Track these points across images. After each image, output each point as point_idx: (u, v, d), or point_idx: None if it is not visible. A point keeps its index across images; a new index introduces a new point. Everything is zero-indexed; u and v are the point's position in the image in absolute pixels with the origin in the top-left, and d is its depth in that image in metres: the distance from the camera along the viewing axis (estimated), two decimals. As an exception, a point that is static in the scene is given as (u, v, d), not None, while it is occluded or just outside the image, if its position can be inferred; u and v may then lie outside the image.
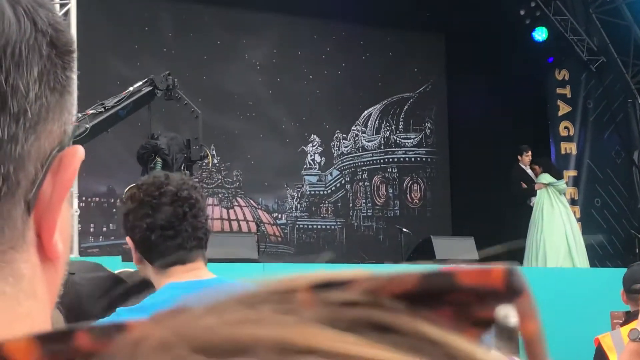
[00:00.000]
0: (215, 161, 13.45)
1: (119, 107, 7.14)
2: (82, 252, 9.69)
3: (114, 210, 13.06)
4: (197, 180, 2.70)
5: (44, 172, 0.61)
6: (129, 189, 2.60)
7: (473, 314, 0.36)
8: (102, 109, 6.98)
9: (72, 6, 8.82)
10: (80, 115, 6.90)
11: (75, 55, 0.65)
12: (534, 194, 12.28)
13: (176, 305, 0.35)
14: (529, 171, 12.39)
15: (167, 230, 2.49)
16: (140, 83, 7.53)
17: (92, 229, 12.87)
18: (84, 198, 12.16)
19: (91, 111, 6.91)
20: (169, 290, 2.47)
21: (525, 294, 0.36)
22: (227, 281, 2.54)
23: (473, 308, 0.36)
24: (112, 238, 12.99)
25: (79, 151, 0.65)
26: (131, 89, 7.40)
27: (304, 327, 0.33)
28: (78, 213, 8.98)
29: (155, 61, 12.79)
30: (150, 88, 7.52)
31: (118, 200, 13.11)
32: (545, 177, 12.34)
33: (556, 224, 12.21)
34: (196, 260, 2.55)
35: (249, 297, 0.34)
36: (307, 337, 0.32)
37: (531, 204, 12.37)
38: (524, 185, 12.30)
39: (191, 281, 2.49)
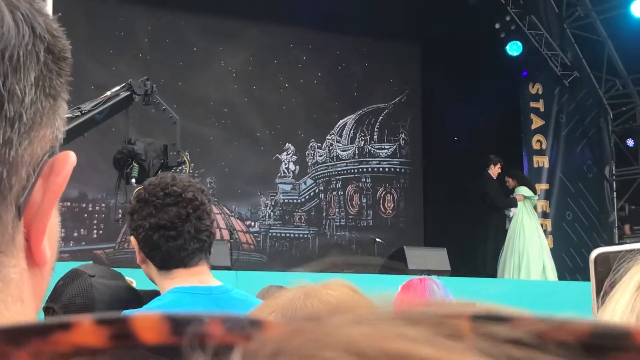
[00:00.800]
0: (189, 168, 13.41)
1: (95, 111, 7.09)
2: (53, 257, 9.60)
3: (85, 215, 12.99)
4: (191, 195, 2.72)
5: (36, 177, 0.61)
6: (135, 191, 2.61)
7: None
8: (79, 113, 6.93)
9: (48, 10, 8.79)
10: None
11: (70, 61, 0.65)
12: (516, 204, 12.40)
13: (310, 312, 0.34)
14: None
15: (169, 231, 2.48)
16: (118, 87, 7.49)
17: (62, 234, 12.78)
18: (56, 202, 12.08)
19: (68, 115, 6.88)
20: (174, 295, 2.46)
21: None
22: (232, 289, 2.55)
23: None
24: (84, 243, 12.92)
25: (71, 157, 0.65)
26: (109, 93, 7.35)
27: (464, 353, 0.31)
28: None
29: (130, 66, 12.74)
30: (128, 93, 7.47)
31: (90, 205, 13.05)
32: (524, 190, 12.51)
33: (535, 238, 12.40)
34: (199, 263, 2.54)
35: (406, 314, 0.33)
36: None
37: (510, 215, 12.47)
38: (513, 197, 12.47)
39: (197, 286, 2.49)
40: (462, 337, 0.32)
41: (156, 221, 2.48)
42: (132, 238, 2.57)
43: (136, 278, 2.97)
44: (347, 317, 0.33)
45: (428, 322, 0.33)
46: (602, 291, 1.03)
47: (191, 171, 13.45)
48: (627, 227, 14.51)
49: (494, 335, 0.32)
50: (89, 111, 7.05)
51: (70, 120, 6.85)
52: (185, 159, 7.62)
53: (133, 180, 7.01)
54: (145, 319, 0.35)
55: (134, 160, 7.15)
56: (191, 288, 2.47)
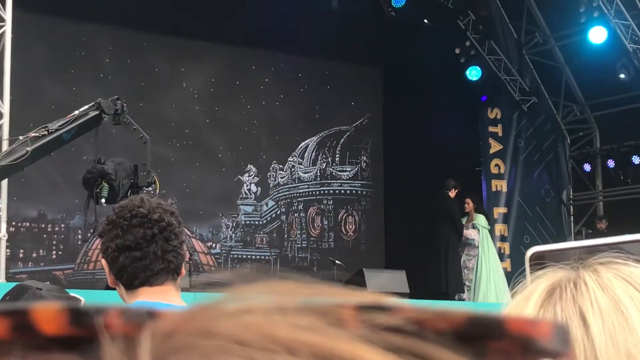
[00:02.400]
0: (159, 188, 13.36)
1: (62, 130, 7.03)
2: (9, 278, 9.50)
3: (44, 235, 12.89)
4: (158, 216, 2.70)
5: None
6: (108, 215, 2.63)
7: None
8: (46, 132, 6.87)
9: (7, 29, 8.73)
10: (21, 138, 6.80)
11: None
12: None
13: (207, 302, 0.36)
14: None
15: (134, 251, 2.50)
16: (86, 107, 7.43)
17: (21, 254, 12.67)
18: (14, 222, 11.98)
19: (34, 134, 6.80)
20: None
21: (569, 352, 0.36)
22: None
23: (515, 359, 0.35)
24: (42, 264, 12.81)
25: None
26: (77, 112, 7.29)
27: (348, 340, 0.34)
28: (6, 237, 8.84)
29: (91, 87, 12.69)
30: (97, 112, 7.42)
31: (49, 226, 12.95)
32: (482, 220, 12.84)
33: (498, 262, 12.82)
34: (165, 283, 2.55)
35: (296, 304, 0.36)
36: (350, 350, 0.34)
37: (475, 243, 12.72)
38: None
39: (159, 303, 2.48)
40: (347, 325, 0.34)
41: (122, 242, 2.50)
42: (102, 260, 2.59)
43: (94, 299, 2.98)
44: (240, 306, 0.35)
45: (316, 311, 0.35)
46: None
47: (151, 192, 13.40)
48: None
49: (376, 323, 0.35)
50: (56, 130, 7.00)
51: (36, 139, 6.80)
52: (156, 179, 7.59)
53: (103, 200, 6.98)
54: (45, 310, 0.35)
55: (104, 180, 7.11)
56: (153, 304, 2.46)
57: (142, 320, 0.35)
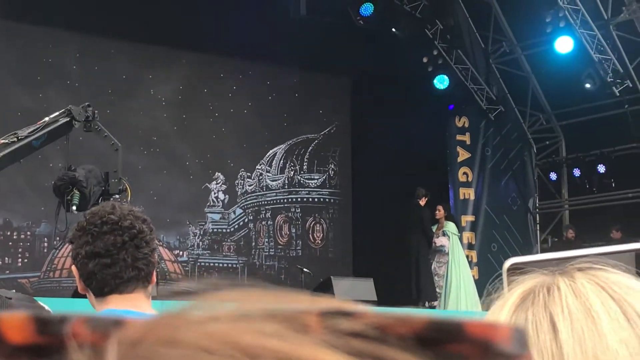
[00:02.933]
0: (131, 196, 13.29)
1: (32, 137, 6.94)
2: (-25, 286, 9.40)
3: (10, 243, 12.77)
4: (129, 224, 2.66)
5: None
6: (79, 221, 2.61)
7: None
8: (15, 139, 6.78)
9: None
10: None
11: None
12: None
13: (173, 310, 0.36)
14: None
15: (104, 258, 2.48)
16: (57, 113, 7.34)
17: (-14, 262, 12.55)
18: (-21, 230, 11.88)
19: (3, 141, 6.71)
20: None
21: (527, 355, 0.37)
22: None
23: None
24: (8, 272, 12.69)
25: None
26: (47, 119, 7.20)
27: (312, 346, 0.35)
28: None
29: (58, 93, 12.62)
30: (68, 119, 7.34)
31: (14, 234, 12.84)
32: (452, 228, 12.91)
33: (468, 269, 12.91)
34: (135, 291, 2.52)
35: (262, 311, 0.36)
36: (314, 355, 0.34)
37: (446, 250, 12.78)
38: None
39: (129, 310, 2.46)
40: (311, 331, 0.35)
41: (91, 249, 2.48)
42: (73, 267, 2.57)
43: (59, 308, 2.96)
44: (206, 314, 0.36)
45: (281, 318, 0.35)
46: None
47: (118, 199, 13.32)
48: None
49: (339, 328, 0.35)
50: (26, 137, 6.91)
51: (5, 146, 6.71)
52: (127, 187, 7.53)
53: (74, 207, 6.91)
54: (12, 319, 0.35)
55: (75, 187, 7.04)
56: (123, 311, 2.45)
57: (109, 329, 0.35)
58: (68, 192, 7.00)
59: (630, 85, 13.84)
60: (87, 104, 7.57)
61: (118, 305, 2.49)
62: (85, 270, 2.50)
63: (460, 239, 13.50)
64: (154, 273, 2.60)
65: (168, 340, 0.35)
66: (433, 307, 12.38)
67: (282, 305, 0.37)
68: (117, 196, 7.36)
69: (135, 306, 2.50)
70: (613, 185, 14.56)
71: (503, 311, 0.92)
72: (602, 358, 0.84)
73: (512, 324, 0.37)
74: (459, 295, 12.61)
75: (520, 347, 0.36)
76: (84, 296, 2.65)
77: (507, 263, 1.09)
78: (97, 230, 2.49)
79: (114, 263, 2.48)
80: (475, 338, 0.36)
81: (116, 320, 0.35)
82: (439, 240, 12.82)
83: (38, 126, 7.05)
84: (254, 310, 0.36)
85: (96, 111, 7.63)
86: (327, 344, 0.35)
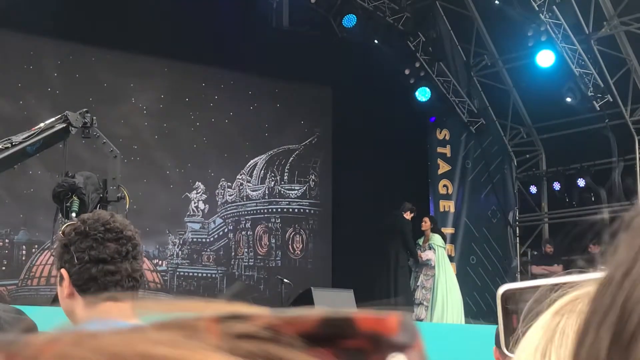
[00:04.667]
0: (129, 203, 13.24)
1: (27, 143, 6.83)
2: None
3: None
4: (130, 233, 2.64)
5: None
6: (69, 224, 2.58)
7: None
8: (9, 145, 6.67)
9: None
10: None
11: None
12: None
13: (76, 328, 0.37)
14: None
15: (108, 265, 2.48)
16: (53, 119, 7.25)
17: (-37, 270, 12.44)
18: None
19: None
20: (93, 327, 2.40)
21: (417, 344, 0.38)
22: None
23: (368, 355, 0.37)
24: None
25: None
26: (42, 125, 7.09)
27: (202, 350, 0.36)
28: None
29: (39, 101, 12.56)
30: (64, 125, 7.25)
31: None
32: (439, 240, 12.94)
33: (455, 282, 12.92)
34: (127, 301, 2.50)
35: (158, 323, 0.37)
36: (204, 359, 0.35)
37: (432, 263, 12.79)
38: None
39: (119, 321, 2.43)
40: (205, 336, 0.36)
41: (96, 254, 2.47)
42: (62, 270, 2.54)
43: (38, 316, 2.92)
44: (105, 332, 0.37)
45: (175, 326, 0.37)
46: (512, 328, 1.04)
47: (124, 207, 13.23)
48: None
49: (233, 332, 0.36)
50: (20, 143, 6.80)
51: (0, 151, 6.61)
52: (126, 194, 7.47)
53: (73, 215, 6.84)
54: None
55: (74, 194, 6.97)
56: (112, 322, 2.43)
57: (14, 347, 0.36)
58: (67, 199, 6.94)
59: (611, 100, 13.94)
60: (85, 110, 7.51)
61: (109, 313, 2.48)
62: (87, 274, 2.49)
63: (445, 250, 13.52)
64: None
65: (59, 356, 0.35)
66: (419, 320, 12.37)
67: (179, 314, 0.38)
68: (116, 203, 7.31)
69: (125, 316, 2.50)
70: (592, 199, 14.63)
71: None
72: None
73: (401, 316, 0.38)
74: (445, 307, 12.61)
75: (409, 337, 0.38)
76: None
77: (501, 290, 1.07)
78: (102, 237, 2.49)
79: (117, 271, 2.49)
80: (366, 332, 0.37)
81: (21, 338, 0.37)
82: (425, 255, 12.80)
83: (33, 132, 6.96)
84: (153, 322, 0.38)
85: (94, 117, 7.56)
86: (218, 348, 0.36)
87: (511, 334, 1.04)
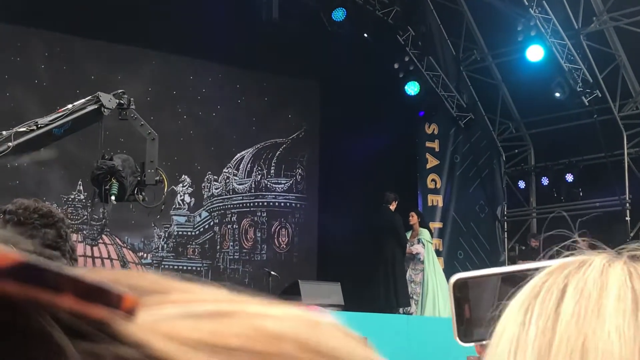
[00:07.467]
0: (82, 197, 13.16)
1: (53, 125, 6.60)
2: None
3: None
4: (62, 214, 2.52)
5: None
6: None
7: None
8: (35, 127, 6.45)
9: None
10: (5, 133, 6.36)
11: None
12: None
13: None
14: None
15: (54, 250, 2.44)
16: (83, 100, 7.01)
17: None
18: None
19: (21, 129, 6.38)
20: None
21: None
22: None
23: None
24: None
25: None
26: (70, 106, 6.84)
27: None
28: None
29: (26, 93, 12.48)
30: (96, 106, 7.04)
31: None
32: (426, 235, 12.93)
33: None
34: None
35: None
36: None
37: (421, 258, 12.77)
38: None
39: None
40: None
41: (41, 241, 2.41)
42: None
43: None
44: None
45: None
46: (465, 318, 1.05)
47: (83, 200, 13.17)
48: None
49: None
50: (46, 125, 6.58)
51: (21, 134, 6.39)
52: (164, 177, 7.34)
53: (112, 198, 6.71)
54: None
55: (113, 177, 6.83)
56: None
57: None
58: (106, 181, 6.79)
59: (600, 95, 13.94)
60: (121, 90, 7.34)
61: None
62: None
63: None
64: None
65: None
66: (409, 314, 12.37)
67: None
68: (153, 186, 7.19)
69: None
70: (581, 194, 14.63)
71: (541, 274, 0.89)
72: (591, 337, 0.81)
73: (24, 255, 0.34)
74: (435, 301, 12.60)
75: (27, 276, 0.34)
76: None
77: (452, 280, 1.06)
78: (39, 223, 2.44)
79: (63, 255, 2.47)
80: None
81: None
82: (415, 248, 12.80)
83: (60, 114, 6.72)
84: None
85: (132, 99, 7.40)
86: None
87: (463, 323, 1.05)
